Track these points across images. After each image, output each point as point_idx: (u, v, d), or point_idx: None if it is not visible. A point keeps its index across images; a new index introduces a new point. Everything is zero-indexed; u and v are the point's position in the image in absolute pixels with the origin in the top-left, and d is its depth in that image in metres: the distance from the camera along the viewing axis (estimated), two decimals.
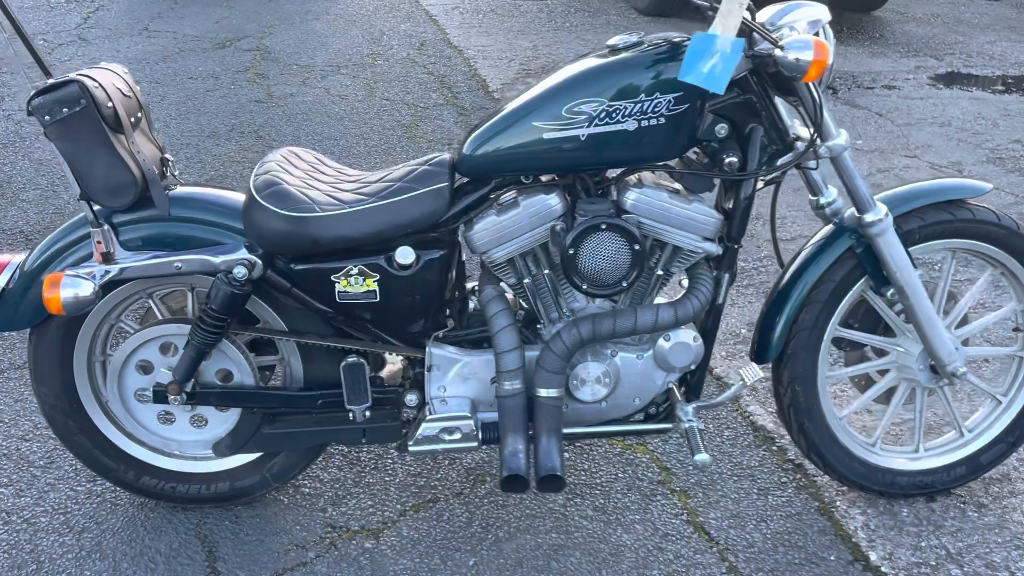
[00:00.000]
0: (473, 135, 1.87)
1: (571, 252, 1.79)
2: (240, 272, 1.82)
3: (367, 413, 1.95)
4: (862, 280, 2.03)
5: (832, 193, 2.04)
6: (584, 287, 1.83)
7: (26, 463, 2.27)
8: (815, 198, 2.04)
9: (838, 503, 2.21)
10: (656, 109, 1.78)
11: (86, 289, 1.76)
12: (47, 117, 1.75)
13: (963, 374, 2.05)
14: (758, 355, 2.07)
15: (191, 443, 2.04)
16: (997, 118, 5.02)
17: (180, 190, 1.92)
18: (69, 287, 1.75)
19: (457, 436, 1.94)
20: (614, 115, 1.78)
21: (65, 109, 1.75)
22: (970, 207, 2.03)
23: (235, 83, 5.23)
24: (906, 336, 2.11)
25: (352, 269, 1.85)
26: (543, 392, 1.88)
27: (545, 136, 1.80)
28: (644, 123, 1.78)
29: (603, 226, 1.78)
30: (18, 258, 1.93)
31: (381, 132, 4.55)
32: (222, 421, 2.03)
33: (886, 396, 2.20)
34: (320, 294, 1.88)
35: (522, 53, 5.92)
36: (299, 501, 2.17)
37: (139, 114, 1.90)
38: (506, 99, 1.94)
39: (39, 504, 2.14)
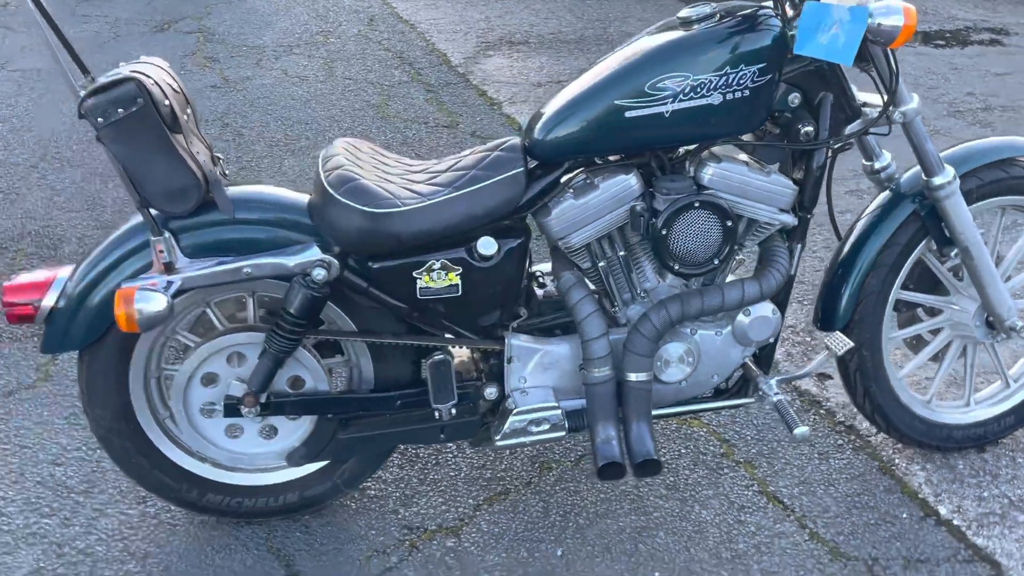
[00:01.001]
0: (546, 117, 1.81)
1: (663, 232, 1.75)
2: (319, 274, 1.72)
3: (453, 411, 1.88)
4: (923, 242, 2.06)
5: (887, 157, 2.05)
6: (676, 267, 1.80)
7: (64, 489, 2.12)
8: (869, 163, 2.05)
9: (897, 461, 2.25)
10: (741, 81, 1.75)
11: (159, 303, 1.64)
12: (100, 119, 1.61)
13: (1021, 328, 2.10)
14: (824, 323, 2.08)
15: (261, 455, 1.94)
16: (946, 72, 5.17)
17: (236, 190, 1.80)
18: (143, 302, 1.62)
19: (545, 427, 1.89)
20: (699, 89, 1.74)
21: (120, 110, 1.61)
22: (1021, 164, 2.07)
23: (184, 68, 4.97)
24: (960, 294, 2.15)
25: (435, 264, 1.77)
26: (633, 376, 1.84)
27: (627, 115, 1.75)
28: (729, 96, 1.75)
29: (696, 204, 1.74)
30: (63, 272, 1.79)
31: (352, 114, 4.40)
32: (293, 430, 1.93)
33: (938, 354, 2.25)
34: (400, 291, 1.80)
35: (476, 25, 5.80)
36: (367, 505, 2.10)
37: (188, 111, 1.77)
38: (576, 80, 1.87)
39: (90, 532, 2.01)
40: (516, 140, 1.85)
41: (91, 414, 1.86)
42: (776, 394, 1.93)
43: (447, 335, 1.88)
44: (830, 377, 2.50)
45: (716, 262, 1.80)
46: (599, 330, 1.82)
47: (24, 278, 1.78)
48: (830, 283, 2.07)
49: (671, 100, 1.74)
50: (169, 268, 1.71)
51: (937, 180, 1.94)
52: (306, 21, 5.87)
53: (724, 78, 1.74)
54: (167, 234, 1.70)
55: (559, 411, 1.89)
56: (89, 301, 1.74)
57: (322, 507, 2.04)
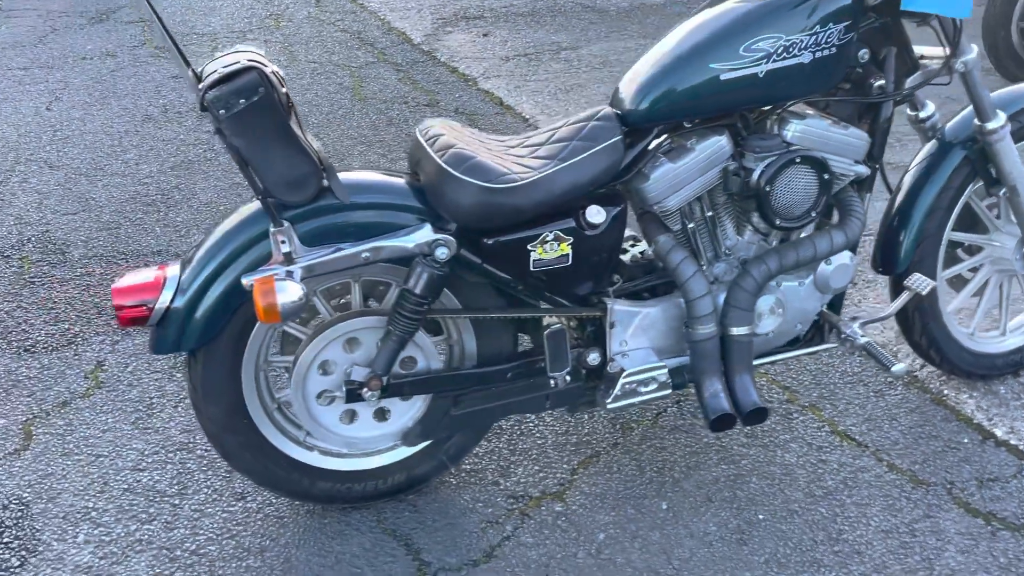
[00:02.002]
0: (639, 85, 1.85)
1: (767, 189, 1.82)
2: (442, 253, 1.73)
3: (567, 378, 1.92)
4: (971, 184, 2.20)
5: (931, 107, 2.17)
6: (778, 222, 1.87)
7: (156, 493, 2.07)
8: (915, 113, 2.17)
9: (946, 392, 2.41)
10: (829, 39, 1.83)
11: (296, 292, 1.62)
12: (223, 111, 1.57)
13: None
14: (887, 267, 2.19)
15: (377, 438, 1.94)
16: None
17: (343, 176, 1.78)
18: (282, 292, 1.60)
19: (653, 387, 1.96)
20: (791, 49, 1.81)
21: (242, 100, 1.57)
22: None
23: (138, 60, 4.79)
24: (999, 231, 2.31)
25: (548, 235, 1.80)
26: (735, 331, 1.92)
27: (722, 77, 1.81)
28: (818, 54, 1.83)
29: (797, 159, 1.82)
30: (171, 270, 1.74)
31: (328, 97, 4.33)
32: (406, 410, 1.94)
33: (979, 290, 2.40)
34: (513, 265, 1.82)
35: (427, 3, 5.75)
36: (466, 480, 2.12)
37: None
38: (655, 45, 1.92)
39: (197, 533, 1.97)
40: (608, 109, 1.88)
41: (205, 412, 1.83)
42: (862, 336, 2.04)
43: (546, 305, 1.92)
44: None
45: (813, 214, 1.89)
46: (703, 289, 1.88)
47: (132, 279, 1.73)
48: (889, 228, 2.19)
49: (765, 61, 1.81)
50: (288, 258, 1.69)
51: (991, 125, 2.07)
52: (251, 5, 5.71)
53: (814, 37, 1.81)
54: (287, 224, 1.68)
55: (665, 370, 1.95)
56: (207, 297, 1.71)
57: (427, 485, 2.06)
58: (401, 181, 1.83)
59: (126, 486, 2.09)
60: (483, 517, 2.03)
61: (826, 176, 1.85)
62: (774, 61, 1.81)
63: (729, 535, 1.98)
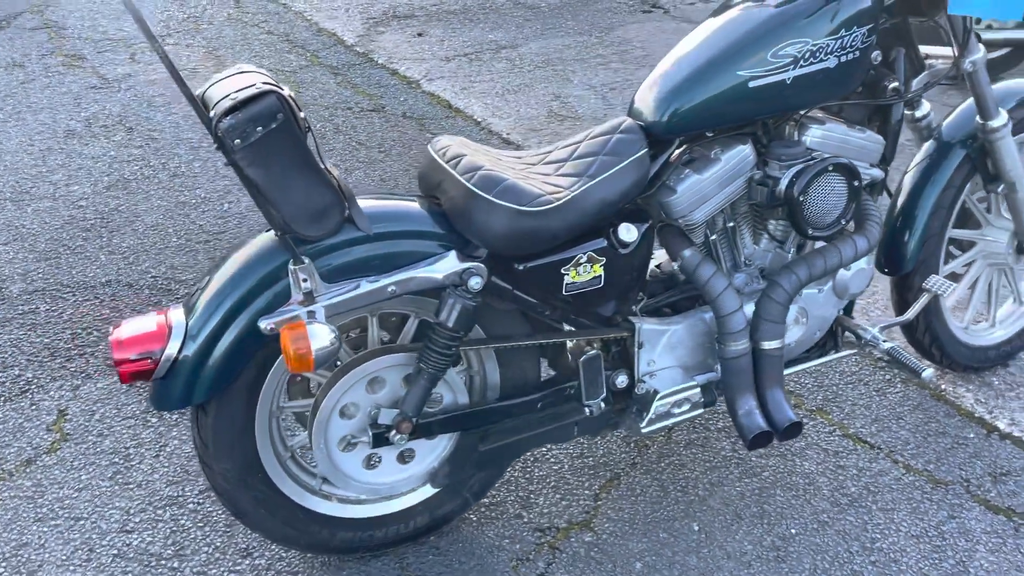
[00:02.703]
0: (663, 95, 1.76)
1: (801, 198, 1.77)
2: (476, 283, 1.61)
3: (602, 405, 1.83)
4: (971, 182, 2.20)
5: (927, 107, 2.17)
6: (809, 231, 1.82)
7: (151, 557, 1.88)
8: (911, 112, 2.16)
9: (943, 387, 2.43)
10: (853, 43, 1.78)
11: (327, 336, 1.47)
12: (238, 140, 1.41)
13: None
14: (892, 268, 2.18)
15: (401, 482, 1.80)
16: None
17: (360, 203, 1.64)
18: (315, 338, 1.45)
19: (687, 407, 1.88)
20: (818, 54, 1.76)
21: (259, 128, 1.41)
22: None
23: (50, 70, 4.45)
24: (992, 226, 2.33)
25: (581, 257, 1.70)
26: (767, 345, 1.86)
27: (751, 84, 1.74)
28: (843, 58, 1.78)
29: (830, 167, 1.77)
30: (174, 315, 1.56)
31: None
32: (431, 450, 1.81)
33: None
34: (545, 290, 1.71)
35: (354, 2, 5.55)
36: (487, 515, 2.01)
37: None
38: (673, 51, 1.84)
39: None
40: (630, 121, 1.80)
41: (216, 469, 1.65)
42: (885, 341, 2.02)
43: (572, 329, 1.82)
44: None
45: (843, 222, 1.85)
46: (735, 304, 1.82)
47: (131, 328, 1.55)
48: (894, 229, 2.18)
49: (792, 66, 1.75)
50: (309, 297, 1.54)
51: (994, 123, 2.08)
52: (165, 6, 5.39)
53: (839, 41, 1.77)
54: (307, 261, 1.53)
55: (698, 389, 1.88)
56: (220, 344, 1.54)
57: (450, 525, 1.94)
58: (419, 206, 1.70)
59: (115, 551, 1.90)
60: (512, 554, 1.92)
61: (856, 183, 1.81)
62: (801, 67, 1.75)
63: (766, 553, 1.94)
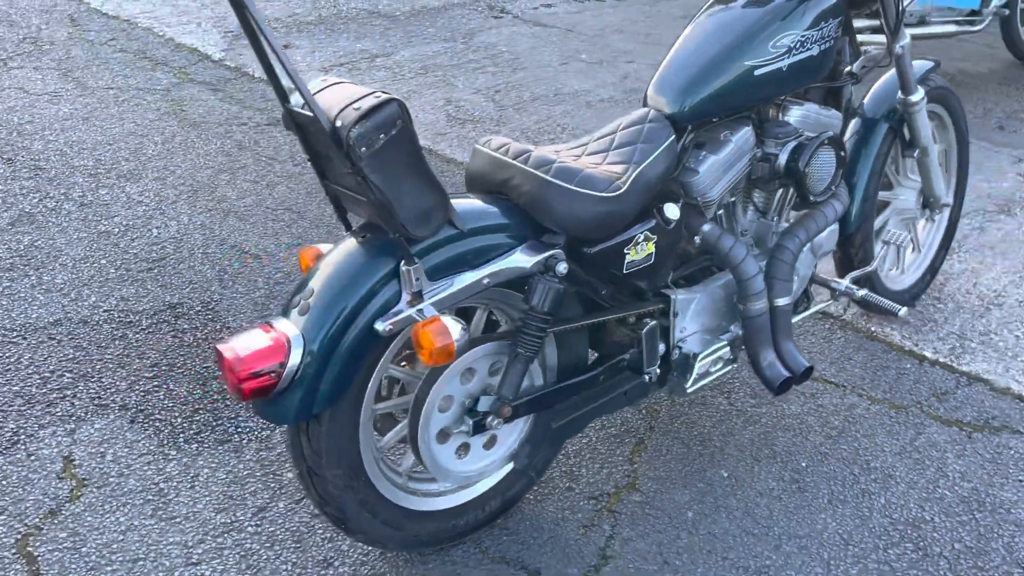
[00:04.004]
0: (681, 86, 1.96)
1: (805, 170, 2.02)
2: (563, 268, 1.72)
3: (657, 371, 1.99)
4: (892, 150, 2.57)
5: (849, 87, 2.52)
6: (811, 198, 2.08)
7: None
8: None
9: (872, 328, 2.80)
10: (829, 33, 2.06)
11: (458, 328, 1.54)
12: (364, 148, 1.45)
13: (947, 203, 2.73)
14: (843, 228, 2.51)
15: (488, 467, 1.87)
16: (644, 18, 5.94)
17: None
18: (453, 330, 1.51)
19: (720, 364, 2.09)
20: (806, 44, 2.02)
21: (382, 135, 1.46)
22: (931, 77, 2.65)
23: None
24: (902, 187, 2.72)
25: (639, 237, 1.86)
26: (780, 301, 2.11)
27: (756, 73, 1.98)
28: (823, 47, 2.06)
29: (826, 141, 2.03)
30: (286, 328, 1.56)
31: (152, 125, 3.92)
32: (510, 433, 1.89)
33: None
34: (608, 271, 1.86)
35: (200, 14, 5.37)
36: (542, 493, 2.12)
37: None
38: (680, 46, 2.04)
39: None
40: (652, 111, 1.97)
41: (327, 476, 1.66)
42: (859, 289, 2.32)
43: (619, 305, 1.98)
44: None
45: (832, 188, 2.12)
46: (755, 268, 2.05)
47: (244, 344, 1.52)
48: None
49: (787, 55, 2.00)
50: (418, 296, 1.59)
51: (914, 98, 2.45)
52: None
53: (820, 31, 2.04)
54: (418, 262, 1.58)
55: (728, 347, 2.10)
56: (339, 352, 1.55)
57: (516, 505, 2.03)
58: (491, 202, 1.78)
59: None
60: (576, 523, 2.05)
61: (842, 154, 2.09)
62: (793, 55, 2.01)
63: (788, 486, 2.19)
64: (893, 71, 2.48)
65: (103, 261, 2.91)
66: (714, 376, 2.10)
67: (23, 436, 2.19)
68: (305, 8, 5.64)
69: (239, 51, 4.83)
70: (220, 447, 2.19)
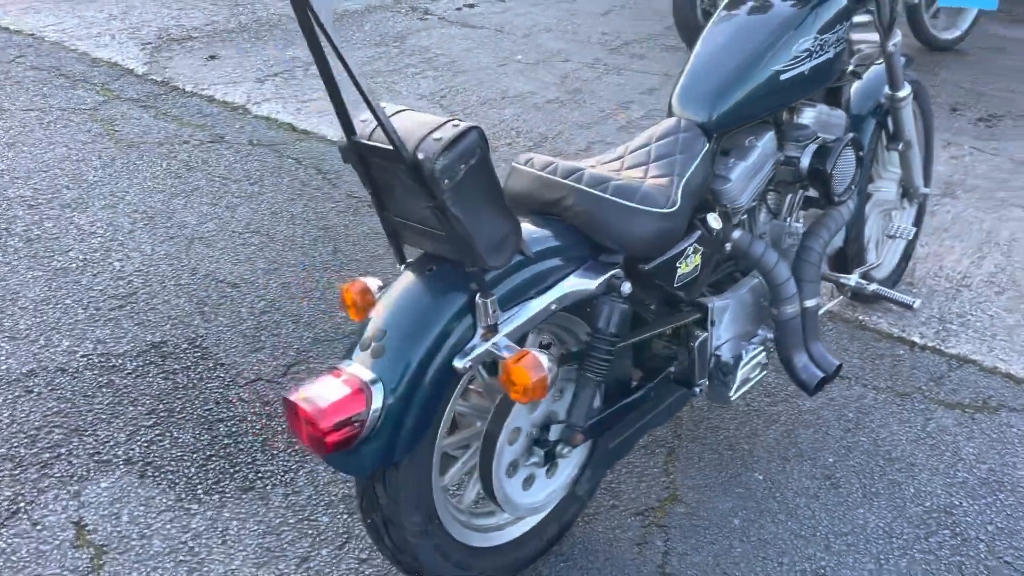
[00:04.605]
0: (709, 94, 1.94)
1: (832, 171, 2.04)
2: (626, 287, 1.68)
3: (705, 383, 1.97)
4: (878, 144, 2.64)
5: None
6: (835, 199, 2.10)
7: None
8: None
9: (861, 318, 2.87)
10: (841, 36, 2.09)
11: (547, 360, 1.47)
12: (447, 180, 1.36)
13: (926, 193, 2.83)
14: None
15: (551, 496, 1.81)
16: (568, 16, 5.95)
17: None
18: (546, 363, 1.44)
19: (759, 370, 2.09)
20: (824, 47, 2.04)
21: (463, 165, 1.38)
22: (907, 72, 2.73)
23: None
24: (883, 179, 2.80)
25: (689, 250, 1.83)
26: (809, 303, 2.12)
27: (781, 78, 1.98)
28: (837, 49, 2.09)
29: (847, 143, 2.05)
30: (359, 372, 1.46)
31: (86, 147, 3.67)
32: (569, 460, 1.84)
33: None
34: (659, 286, 1.82)
35: (111, 27, 5.07)
36: (587, 514, 2.07)
37: None
38: (700, 55, 2.02)
39: None
40: (683, 120, 1.95)
41: (405, 524, 1.57)
42: (869, 284, 2.37)
43: (662, 319, 1.95)
44: None
45: (853, 187, 2.15)
46: (787, 272, 2.06)
47: (321, 394, 1.41)
48: None
49: (808, 59, 2.01)
50: (493, 328, 1.52)
51: (901, 93, 2.51)
52: None
53: (835, 34, 2.06)
54: (494, 292, 1.51)
55: (763, 352, 2.10)
56: (419, 393, 1.47)
57: (570, 530, 1.99)
58: (543, 224, 1.72)
59: None
60: (629, 541, 2.02)
61: (861, 154, 2.13)
62: (814, 58, 2.03)
63: (822, 483, 2.21)
64: (874, 69, 2.54)
65: (67, 301, 2.70)
66: (753, 382, 2.10)
67: (23, 504, 2.00)
68: (223, 16, 5.39)
69: (163, 64, 4.58)
70: (244, 496, 2.06)
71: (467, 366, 1.50)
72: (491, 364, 1.73)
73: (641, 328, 1.91)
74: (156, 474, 2.10)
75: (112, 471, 2.10)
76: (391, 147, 1.37)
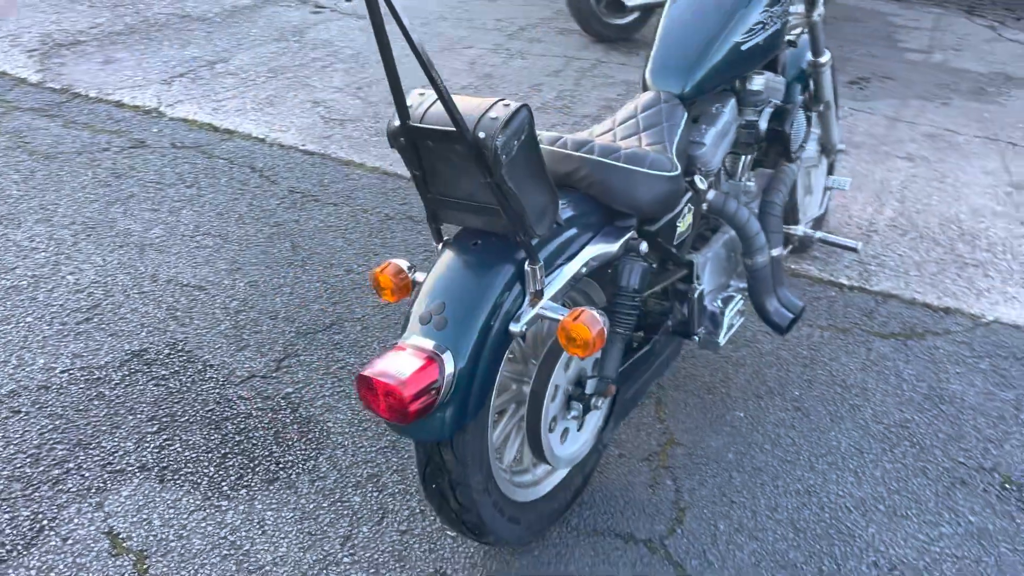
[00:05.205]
0: (682, 66, 2.11)
1: (789, 132, 2.25)
2: (644, 247, 1.82)
3: (702, 331, 2.15)
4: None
5: None
6: (793, 156, 2.31)
7: None
8: None
9: (792, 266, 3.15)
10: (784, 8, 2.30)
11: (600, 315, 1.59)
12: (504, 156, 1.46)
13: (842, 148, 3.12)
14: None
15: (582, 447, 1.94)
16: (459, 4, 6.05)
17: None
18: (599, 315, 1.57)
19: (738, 315, 2.29)
20: (773, 19, 2.24)
21: (515, 142, 1.48)
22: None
23: None
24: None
25: (685, 209, 2.00)
26: (776, 252, 2.34)
27: (742, 48, 2.17)
28: (782, 20, 2.30)
29: (800, 105, 2.27)
30: (423, 343, 1.54)
31: (3, 165, 3.48)
32: (595, 412, 1.97)
33: None
34: (662, 244, 1.98)
35: None
36: (597, 469, 2.22)
37: None
38: (666, 33, 2.18)
39: None
40: (661, 93, 2.11)
41: (471, 484, 1.66)
42: (816, 232, 2.61)
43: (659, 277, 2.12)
44: None
45: (804, 145, 2.37)
46: (758, 226, 2.26)
47: (396, 368, 1.48)
48: None
49: (762, 30, 2.22)
50: (538, 293, 1.64)
51: (823, 59, 2.76)
52: None
53: (781, 7, 2.27)
54: (541, 259, 1.62)
55: (741, 299, 2.30)
56: (483, 358, 1.56)
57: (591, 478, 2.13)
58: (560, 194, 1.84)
59: None
60: (643, 484, 2.18)
61: (809, 114, 2.35)
62: (767, 29, 2.23)
63: (795, 414, 2.45)
64: (801, 38, 2.78)
65: (28, 319, 2.61)
66: (735, 328, 2.31)
67: (46, 521, 1.96)
68: (106, 18, 5.19)
69: (56, 71, 4.38)
70: (271, 487, 2.09)
71: (523, 330, 1.61)
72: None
73: (655, 282, 2.07)
74: (175, 477, 2.10)
75: (130, 479, 2.09)
76: (450, 128, 1.46)
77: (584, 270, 1.76)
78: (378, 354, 1.57)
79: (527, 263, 1.62)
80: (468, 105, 1.52)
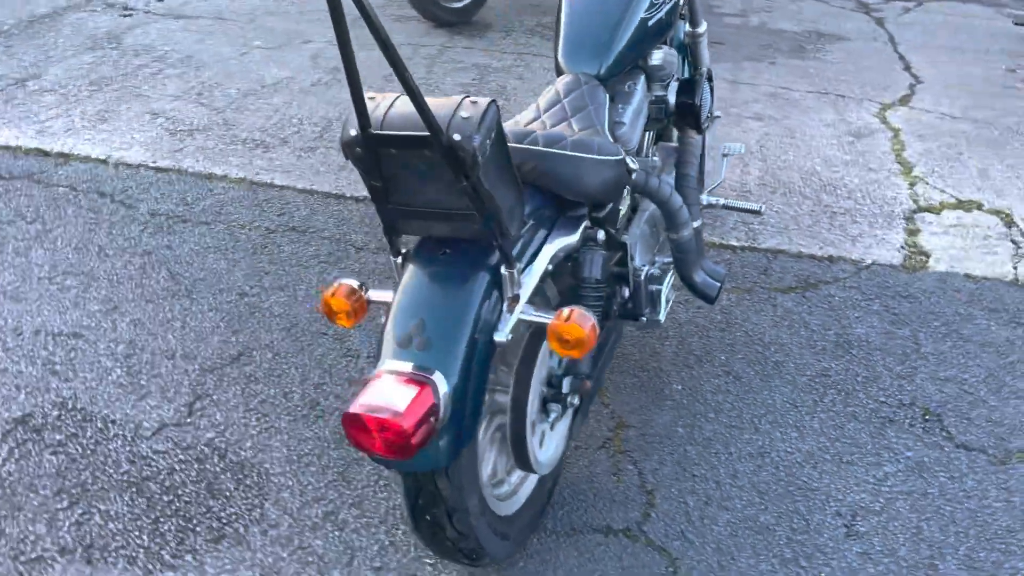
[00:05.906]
0: (596, 47, 2.07)
1: (699, 103, 2.25)
2: (601, 235, 1.76)
3: (649, 311, 2.12)
4: None
5: None
6: (704, 126, 2.32)
7: None
8: None
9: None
10: None
11: (588, 311, 1.51)
12: (479, 156, 1.35)
13: (718, 115, 3.19)
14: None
15: (558, 446, 1.87)
16: None
17: None
18: (588, 312, 1.49)
19: (671, 289, 2.28)
20: None
21: (488, 140, 1.37)
22: None
23: None
24: None
25: (625, 192, 1.95)
26: (696, 223, 2.34)
27: (648, 24, 2.16)
28: None
29: (708, 77, 2.27)
30: (404, 368, 1.41)
31: None
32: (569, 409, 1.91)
33: None
34: (609, 229, 1.92)
35: None
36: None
37: None
38: (572, 13, 2.12)
39: None
40: (580, 75, 2.05)
41: (468, 507, 1.55)
42: (720, 199, 2.66)
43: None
44: None
45: (710, 115, 2.38)
46: (680, 199, 2.25)
47: (385, 397, 1.35)
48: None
49: (664, 4, 2.21)
50: (515, 298, 1.54)
51: (700, 29, 2.80)
52: None
53: None
54: (517, 263, 1.52)
55: (672, 273, 2.30)
56: (473, 375, 1.46)
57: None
58: None
59: None
60: (606, 472, 2.15)
61: (712, 84, 2.37)
62: (667, 3, 2.22)
63: (727, 378, 2.49)
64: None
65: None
66: (671, 301, 2.30)
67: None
68: None
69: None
70: (219, 545, 1.89)
71: (508, 338, 1.52)
72: None
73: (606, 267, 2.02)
74: (105, 556, 1.85)
75: (50, 567, 1.82)
76: (421, 133, 1.34)
77: (550, 267, 1.69)
78: (359, 388, 1.42)
79: (503, 267, 1.53)
80: (433, 105, 1.39)
